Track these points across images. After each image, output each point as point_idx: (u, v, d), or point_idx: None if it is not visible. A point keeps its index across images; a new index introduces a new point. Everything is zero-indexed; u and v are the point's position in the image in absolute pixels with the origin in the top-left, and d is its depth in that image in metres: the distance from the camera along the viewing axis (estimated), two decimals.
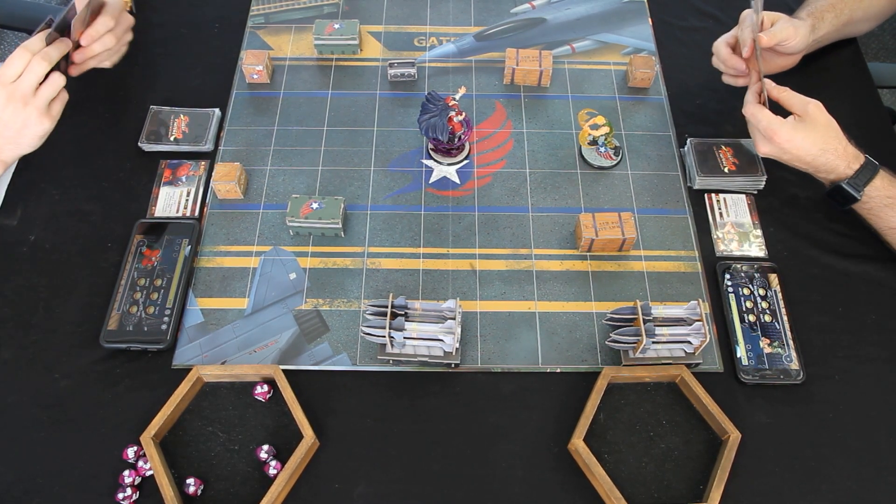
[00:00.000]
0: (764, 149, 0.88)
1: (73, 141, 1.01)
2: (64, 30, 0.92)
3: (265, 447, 0.77)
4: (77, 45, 0.94)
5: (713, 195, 0.97)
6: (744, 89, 1.00)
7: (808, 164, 0.87)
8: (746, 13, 0.94)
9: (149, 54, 1.10)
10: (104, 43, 0.96)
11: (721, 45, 0.97)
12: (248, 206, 0.96)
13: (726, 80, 1.00)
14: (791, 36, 0.93)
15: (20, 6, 1.24)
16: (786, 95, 0.87)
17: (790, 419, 0.81)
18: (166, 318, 0.84)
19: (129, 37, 1.02)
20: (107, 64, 1.01)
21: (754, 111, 0.87)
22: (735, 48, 0.97)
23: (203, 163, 0.99)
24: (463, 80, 1.09)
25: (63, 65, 0.95)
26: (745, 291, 0.89)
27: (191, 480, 0.75)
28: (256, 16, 1.16)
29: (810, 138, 0.85)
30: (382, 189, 0.98)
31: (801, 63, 1.02)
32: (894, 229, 0.87)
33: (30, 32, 0.92)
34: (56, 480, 0.76)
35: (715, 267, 0.91)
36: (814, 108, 0.85)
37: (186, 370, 0.80)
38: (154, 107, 1.02)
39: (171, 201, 0.95)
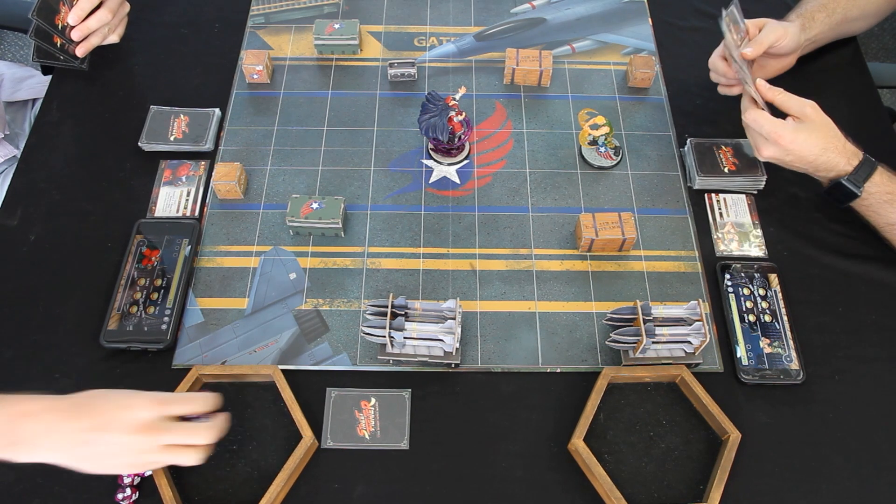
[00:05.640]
0: (767, 152, 0.87)
1: (73, 141, 1.01)
2: (49, 14, 0.95)
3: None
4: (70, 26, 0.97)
5: (713, 195, 0.97)
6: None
7: (810, 163, 0.86)
8: (722, 22, 0.93)
9: (149, 54, 1.10)
10: (99, 18, 0.97)
11: (717, 61, 0.99)
12: (248, 206, 0.96)
13: (722, 90, 1.01)
14: (781, 36, 0.94)
15: (20, 6, 1.24)
16: (781, 98, 0.87)
17: (790, 419, 0.81)
18: (166, 318, 0.84)
19: (126, 7, 1.03)
20: (113, 38, 1.02)
21: (755, 116, 0.87)
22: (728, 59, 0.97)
23: (203, 163, 0.98)
24: (463, 80, 1.09)
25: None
26: (745, 291, 0.89)
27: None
28: (256, 16, 1.16)
29: (812, 138, 0.85)
30: (382, 189, 0.98)
31: (801, 64, 1.02)
32: (893, 225, 0.87)
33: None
34: (56, 480, 0.76)
35: (715, 267, 0.91)
36: (811, 109, 0.85)
37: (186, 370, 0.80)
38: (154, 107, 1.02)
39: (171, 201, 0.95)
